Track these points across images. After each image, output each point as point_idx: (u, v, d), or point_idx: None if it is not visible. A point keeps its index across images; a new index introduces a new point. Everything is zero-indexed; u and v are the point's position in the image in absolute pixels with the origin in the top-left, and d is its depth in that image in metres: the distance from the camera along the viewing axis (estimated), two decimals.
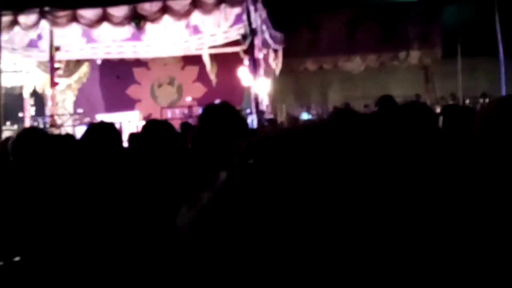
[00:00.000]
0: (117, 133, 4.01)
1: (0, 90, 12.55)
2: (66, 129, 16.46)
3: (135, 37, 18.27)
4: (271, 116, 15.75)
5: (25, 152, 3.27)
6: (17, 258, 2.90)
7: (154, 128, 4.95)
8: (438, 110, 15.18)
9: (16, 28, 15.74)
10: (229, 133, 3.40)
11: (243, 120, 4.25)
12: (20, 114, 19.98)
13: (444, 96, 21.72)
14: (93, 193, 3.30)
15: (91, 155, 3.69)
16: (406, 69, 23.16)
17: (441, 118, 4.62)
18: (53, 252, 2.89)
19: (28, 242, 2.93)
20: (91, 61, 21.70)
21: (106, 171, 3.55)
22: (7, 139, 7.07)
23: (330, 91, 24.63)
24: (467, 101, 20.08)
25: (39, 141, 3.34)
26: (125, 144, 5.83)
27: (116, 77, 23.45)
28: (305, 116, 19.65)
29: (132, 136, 7.00)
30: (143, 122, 15.15)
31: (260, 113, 15.14)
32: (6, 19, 14.69)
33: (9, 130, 16.62)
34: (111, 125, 4.02)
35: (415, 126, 2.51)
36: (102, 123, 3.94)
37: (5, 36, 14.29)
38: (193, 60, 21.19)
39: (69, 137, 9.30)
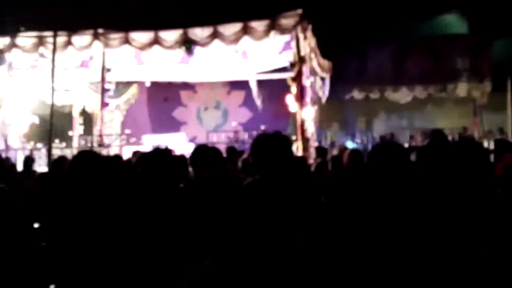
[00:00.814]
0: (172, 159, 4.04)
1: (52, 108, 12.80)
2: (113, 149, 16.70)
3: (184, 61, 18.49)
4: (318, 144, 15.70)
5: (81, 174, 3.35)
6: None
7: (204, 153, 5.01)
8: (485, 144, 15.00)
9: (69, 49, 16.05)
10: (278, 162, 3.42)
11: (292, 150, 4.25)
12: (69, 133, 20.32)
13: (491, 130, 21.40)
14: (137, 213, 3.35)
15: (144, 178, 3.75)
16: (453, 101, 22.94)
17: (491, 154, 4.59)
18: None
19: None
20: (140, 83, 22.01)
21: (153, 193, 3.60)
22: (61, 158, 7.23)
23: (375, 120, 24.54)
24: None
25: (94, 163, 3.41)
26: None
27: (163, 100, 23.77)
28: (350, 144, 19.54)
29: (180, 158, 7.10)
30: (189, 145, 15.31)
31: (305, 140, 15.11)
32: (61, 39, 15.01)
33: (58, 148, 16.95)
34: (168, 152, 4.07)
35: (468, 164, 2.51)
36: (161, 150, 4.00)
37: (58, 56, 14.58)
38: (240, 85, 21.37)
39: (117, 158, 9.46)
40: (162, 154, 3.89)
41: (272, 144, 3.50)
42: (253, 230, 2.21)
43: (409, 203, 2.97)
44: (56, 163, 6.03)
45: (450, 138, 13.83)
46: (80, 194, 3.28)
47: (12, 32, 15.96)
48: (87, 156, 3.52)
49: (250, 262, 2.07)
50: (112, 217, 3.25)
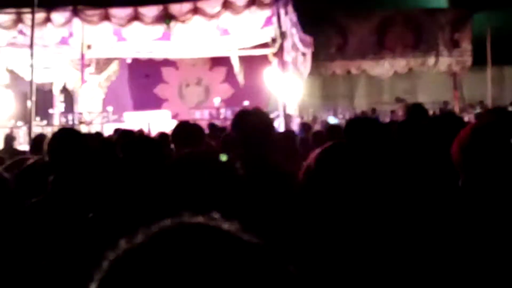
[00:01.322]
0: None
1: (32, 86, 12.71)
2: (95, 127, 16.62)
3: (165, 37, 18.39)
4: (303, 121, 15.75)
5: (61, 152, 3.33)
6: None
7: (185, 129, 5.02)
8: (466, 118, 15.11)
9: (48, 25, 15.89)
10: (262, 138, 3.44)
11: (273, 126, 4.26)
12: (50, 111, 20.16)
13: (472, 103, 21.55)
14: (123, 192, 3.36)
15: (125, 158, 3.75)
16: (434, 75, 23.04)
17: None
18: None
19: None
20: (121, 60, 21.86)
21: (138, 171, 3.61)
22: (41, 135, 7.20)
23: (357, 95, 24.63)
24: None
25: (75, 142, 3.40)
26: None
27: (144, 76, 23.65)
28: (332, 120, 19.59)
29: (162, 136, 7.11)
30: (172, 121, 15.29)
31: (287, 116, 15.15)
32: (39, 16, 14.85)
33: (38, 126, 16.82)
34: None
35: (448, 137, 2.51)
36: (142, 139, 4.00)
37: (37, 33, 14.44)
38: (221, 61, 21.32)
39: (99, 135, 9.44)
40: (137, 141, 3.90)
41: (252, 120, 3.51)
42: (237, 206, 2.22)
43: (384, 181, 3.00)
44: (36, 141, 5.99)
45: (431, 112, 13.88)
46: (62, 172, 3.27)
47: None
48: (67, 133, 3.51)
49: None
50: (95, 197, 3.25)
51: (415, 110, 5.31)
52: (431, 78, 23.11)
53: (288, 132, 8.65)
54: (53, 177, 3.18)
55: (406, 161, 3.53)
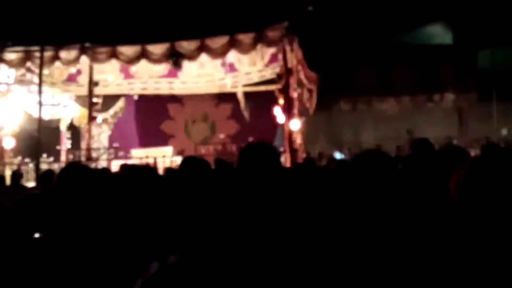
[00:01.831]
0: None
1: (40, 123, 12.79)
2: (101, 163, 16.65)
3: (172, 74, 18.54)
4: (307, 156, 15.75)
5: (70, 187, 3.36)
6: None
7: (192, 165, 5.04)
8: (472, 153, 15.09)
9: (57, 63, 16.05)
10: (268, 173, 3.45)
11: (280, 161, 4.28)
12: (57, 147, 20.24)
13: (478, 139, 21.53)
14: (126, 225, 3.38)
15: (131, 191, 3.77)
16: (440, 111, 23.08)
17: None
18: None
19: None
20: (127, 96, 22.01)
21: (144, 205, 3.62)
22: (48, 171, 7.24)
23: (363, 131, 24.63)
24: (502, 146, 19.90)
25: (84, 177, 3.42)
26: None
27: (151, 113, 23.78)
28: (337, 155, 19.58)
29: (169, 171, 7.13)
30: (177, 158, 15.31)
31: (293, 151, 15.18)
32: (48, 54, 15.02)
33: (45, 163, 16.88)
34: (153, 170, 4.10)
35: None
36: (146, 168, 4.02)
37: (45, 70, 14.59)
38: (227, 97, 21.41)
39: (106, 171, 9.46)
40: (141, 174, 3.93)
41: (259, 153, 3.52)
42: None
43: (390, 209, 3.01)
44: (43, 177, 6.03)
45: (436, 147, 13.89)
46: (70, 206, 3.29)
47: None
48: (76, 169, 3.53)
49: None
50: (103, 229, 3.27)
51: (422, 144, 5.32)
52: (436, 113, 23.14)
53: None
54: (59, 212, 3.19)
55: (410, 193, 3.54)
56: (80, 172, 3.46)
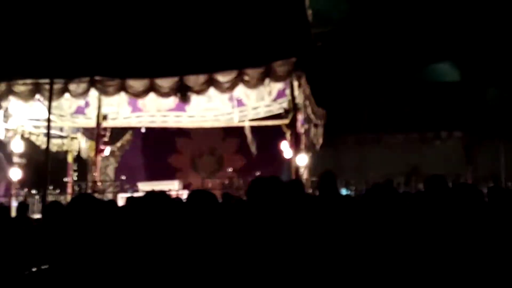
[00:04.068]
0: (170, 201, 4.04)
1: (48, 155, 12.79)
2: (108, 196, 16.62)
3: (179, 108, 18.61)
4: (309, 191, 15.66)
5: (79, 218, 3.34)
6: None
7: (199, 197, 5.01)
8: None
9: (66, 95, 16.12)
10: (277, 206, 3.43)
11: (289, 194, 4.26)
12: (64, 179, 20.25)
13: (485, 176, 21.47)
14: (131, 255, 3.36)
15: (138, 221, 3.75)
16: (448, 147, 23.07)
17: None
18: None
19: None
20: (135, 129, 22.07)
21: (149, 237, 3.60)
22: (55, 203, 7.21)
23: (370, 167, 24.58)
24: (509, 184, 19.86)
25: (93, 207, 3.41)
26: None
27: (158, 146, 23.82)
28: (343, 191, 19.51)
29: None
30: (184, 191, 15.28)
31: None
32: (57, 86, 15.08)
33: (52, 195, 16.87)
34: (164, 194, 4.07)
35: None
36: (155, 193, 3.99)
37: (54, 103, 14.62)
38: (234, 131, 21.46)
39: (112, 203, 9.43)
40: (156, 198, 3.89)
41: (268, 187, 3.51)
42: None
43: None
44: (49, 208, 6.01)
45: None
46: (78, 236, 3.27)
47: (9, 78, 16.02)
48: (86, 199, 3.52)
49: None
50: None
51: (435, 180, 5.28)
52: (444, 150, 23.12)
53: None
54: (65, 243, 3.17)
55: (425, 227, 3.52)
56: (90, 203, 3.45)
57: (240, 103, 18.24)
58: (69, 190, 19.13)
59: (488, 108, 22.15)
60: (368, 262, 3.05)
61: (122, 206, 8.48)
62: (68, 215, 3.37)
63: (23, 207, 12.07)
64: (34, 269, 3.15)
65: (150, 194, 3.73)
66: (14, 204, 15.67)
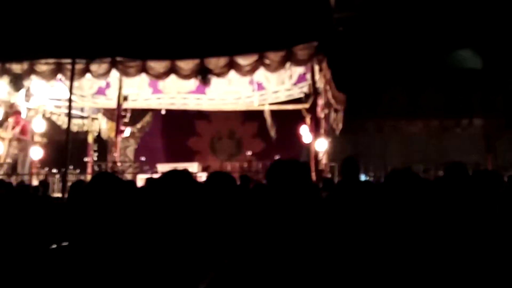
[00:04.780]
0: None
1: (68, 135, 12.86)
2: (127, 176, 16.71)
3: (199, 90, 18.61)
4: (328, 176, 15.64)
5: (100, 194, 3.35)
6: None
7: (219, 179, 5.03)
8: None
9: (87, 76, 16.19)
10: (297, 189, 3.42)
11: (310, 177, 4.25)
12: (84, 159, 20.40)
13: (506, 166, 21.29)
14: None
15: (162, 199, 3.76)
16: (467, 136, 22.88)
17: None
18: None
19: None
20: (154, 111, 22.13)
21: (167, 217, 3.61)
22: (79, 182, 7.28)
23: (388, 153, 24.48)
24: None
25: (114, 185, 3.42)
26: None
27: (178, 128, 23.87)
28: (362, 177, 19.47)
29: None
30: (202, 174, 15.32)
31: (319, 172, 15.11)
32: (79, 66, 15.15)
33: (72, 174, 17.01)
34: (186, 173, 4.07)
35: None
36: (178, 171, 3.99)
37: (75, 83, 14.68)
38: (254, 115, 21.44)
39: (132, 183, 9.50)
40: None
41: (289, 169, 3.49)
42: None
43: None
44: (74, 187, 6.05)
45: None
46: (98, 214, 3.29)
47: (31, 58, 16.11)
48: (107, 177, 3.54)
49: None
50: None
51: (455, 167, 5.25)
52: (464, 139, 22.94)
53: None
54: (85, 221, 3.19)
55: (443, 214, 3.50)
56: (111, 181, 3.47)
57: (260, 86, 18.19)
58: (89, 170, 19.27)
59: (510, 96, 21.93)
60: (390, 248, 3.04)
61: (142, 186, 8.54)
62: (89, 192, 3.40)
63: (44, 185, 12.21)
64: (53, 246, 3.18)
65: (172, 172, 3.74)
66: (34, 183, 15.84)
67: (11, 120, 17.97)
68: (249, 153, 20.95)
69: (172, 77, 16.03)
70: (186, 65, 15.64)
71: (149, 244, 3.32)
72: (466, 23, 22.07)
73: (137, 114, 21.31)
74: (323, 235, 3.06)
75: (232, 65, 15.40)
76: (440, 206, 3.73)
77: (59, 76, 16.20)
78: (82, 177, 16.49)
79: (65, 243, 3.19)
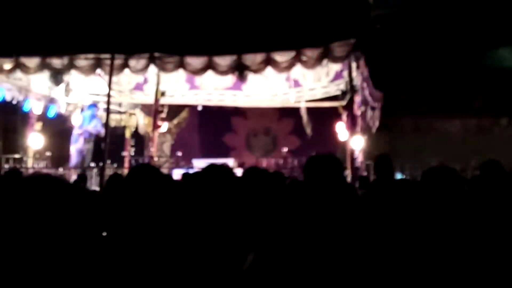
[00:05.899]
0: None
1: (107, 129, 13.05)
2: (163, 171, 16.82)
3: (236, 86, 18.70)
4: (364, 174, 15.59)
5: (138, 187, 3.40)
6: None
7: (253, 174, 5.06)
8: None
9: (126, 71, 16.35)
10: (333, 185, 3.43)
11: (344, 174, 4.27)
12: (122, 153, 20.63)
13: None
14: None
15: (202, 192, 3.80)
16: (506, 136, 22.52)
17: None
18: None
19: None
20: (191, 107, 22.29)
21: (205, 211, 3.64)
22: (116, 174, 7.39)
23: (424, 152, 24.24)
24: None
25: (154, 175, 3.47)
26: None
27: (214, 124, 24.00)
28: (398, 176, 19.31)
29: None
30: (238, 170, 15.42)
31: (355, 170, 15.06)
32: (118, 62, 15.31)
33: (109, 168, 17.23)
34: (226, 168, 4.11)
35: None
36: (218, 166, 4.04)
37: (114, 78, 14.85)
38: (290, 112, 21.43)
39: (169, 177, 9.58)
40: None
41: (325, 165, 3.51)
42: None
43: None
44: (112, 179, 6.15)
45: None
46: (137, 205, 3.34)
47: (71, 52, 16.32)
48: (147, 168, 3.59)
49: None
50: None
51: (491, 166, 5.21)
52: (503, 138, 22.58)
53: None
54: (124, 211, 3.24)
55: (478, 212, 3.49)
56: (150, 172, 3.53)
57: (296, 83, 18.19)
58: (126, 164, 19.49)
59: None
60: (427, 246, 3.04)
61: (179, 180, 8.61)
62: (128, 182, 3.46)
63: (82, 178, 12.40)
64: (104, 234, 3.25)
65: (213, 166, 3.79)
66: (73, 177, 16.09)
67: None
68: (284, 149, 20.96)
69: (209, 73, 16.10)
70: (223, 61, 15.69)
71: (189, 232, 3.37)
72: (505, 20, 21.74)
73: (174, 110, 21.48)
74: (360, 231, 3.08)
75: (269, 62, 15.41)
76: (477, 204, 3.72)
77: (98, 71, 16.39)
78: (119, 172, 16.71)
79: (103, 234, 3.25)
